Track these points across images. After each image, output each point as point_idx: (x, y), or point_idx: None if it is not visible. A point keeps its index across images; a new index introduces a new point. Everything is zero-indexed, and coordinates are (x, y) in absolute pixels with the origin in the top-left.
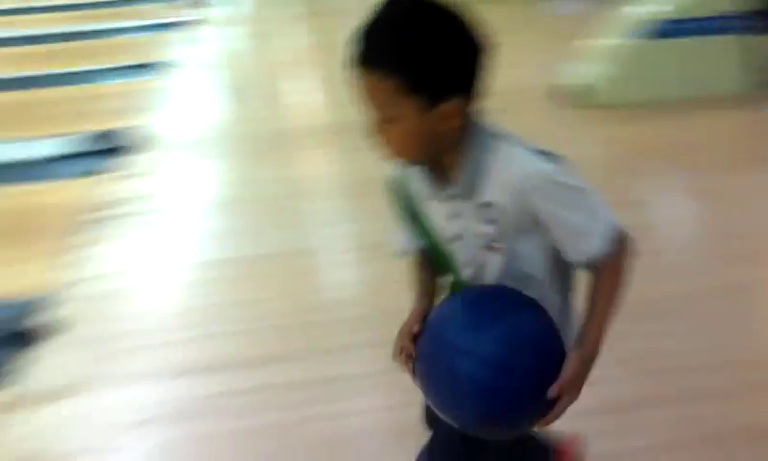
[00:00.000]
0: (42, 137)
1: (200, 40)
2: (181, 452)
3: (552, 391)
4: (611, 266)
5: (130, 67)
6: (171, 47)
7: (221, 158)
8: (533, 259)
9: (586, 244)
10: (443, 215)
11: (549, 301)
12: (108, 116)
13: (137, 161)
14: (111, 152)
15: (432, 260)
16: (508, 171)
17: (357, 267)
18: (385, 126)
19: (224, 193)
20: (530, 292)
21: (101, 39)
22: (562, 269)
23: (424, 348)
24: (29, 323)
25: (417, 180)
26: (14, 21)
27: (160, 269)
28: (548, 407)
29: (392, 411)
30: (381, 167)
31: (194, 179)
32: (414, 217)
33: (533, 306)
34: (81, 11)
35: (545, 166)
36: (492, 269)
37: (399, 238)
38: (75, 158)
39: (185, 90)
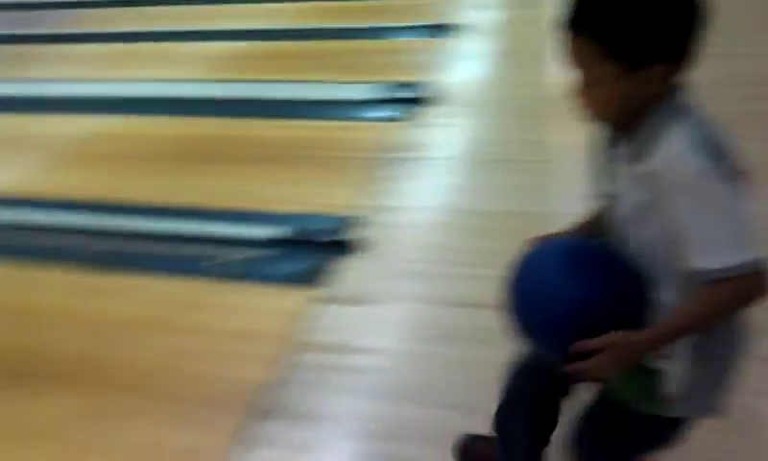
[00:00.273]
0: (355, 82)
1: (487, 8)
2: (452, 371)
3: (596, 341)
4: (723, 290)
5: (426, 27)
6: (462, 12)
7: (496, 118)
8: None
9: (705, 256)
10: (610, 172)
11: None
12: (407, 70)
13: (430, 113)
14: (409, 102)
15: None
16: (666, 152)
17: None
18: (586, 88)
19: (494, 151)
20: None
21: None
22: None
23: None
24: (342, 236)
25: (601, 135)
26: None
27: (436, 210)
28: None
29: None
30: None
31: (471, 134)
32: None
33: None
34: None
35: (696, 163)
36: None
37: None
38: (381, 104)
39: (471, 53)
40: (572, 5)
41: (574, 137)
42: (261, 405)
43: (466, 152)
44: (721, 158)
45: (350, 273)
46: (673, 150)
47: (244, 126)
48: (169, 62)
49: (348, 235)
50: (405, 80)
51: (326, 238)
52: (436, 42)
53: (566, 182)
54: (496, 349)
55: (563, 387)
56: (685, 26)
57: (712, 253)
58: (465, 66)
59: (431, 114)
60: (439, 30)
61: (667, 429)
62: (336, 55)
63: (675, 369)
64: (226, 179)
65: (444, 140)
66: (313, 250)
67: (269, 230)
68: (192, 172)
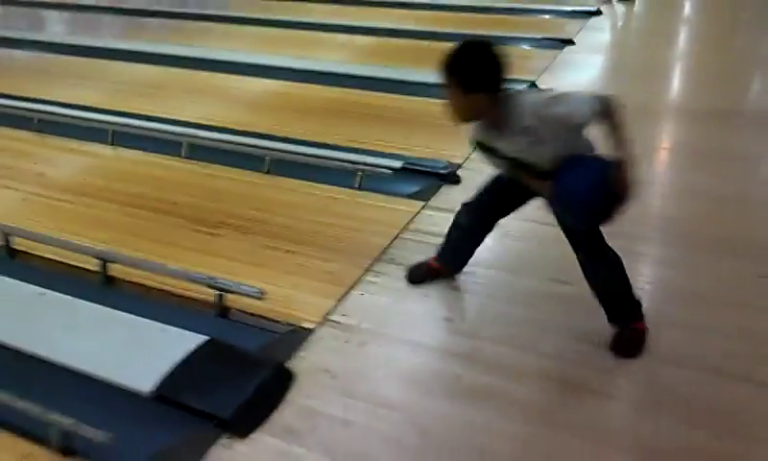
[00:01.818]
0: None
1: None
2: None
3: (620, 175)
4: (606, 114)
5: (541, 39)
6: (575, 28)
7: None
8: (566, 139)
9: (584, 112)
10: (504, 145)
11: (585, 147)
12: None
13: None
14: None
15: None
16: (529, 107)
17: None
18: (450, 104)
19: None
20: (574, 151)
21: (521, 16)
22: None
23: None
24: (443, 171)
25: (482, 131)
26: None
27: None
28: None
29: None
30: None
31: None
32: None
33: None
34: (449, 12)
35: (543, 96)
36: (544, 152)
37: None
38: None
39: (581, 64)
40: (444, 62)
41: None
42: (382, 257)
43: None
44: (546, 89)
45: (446, 194)
46: (527, 109)
47: (375, 96)
48: (322, 47)
49: (446, 171)
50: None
51: (432, 171)
52: (549, 53)
53: None
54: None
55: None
56: (493, 74)
57: (589, 102)
58: (572, 75)
59: None
60: (553, 42)
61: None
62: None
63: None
64: (361, 128)
65: None
66: (422, 178)
67: (394, 162)
68: (336, 123)
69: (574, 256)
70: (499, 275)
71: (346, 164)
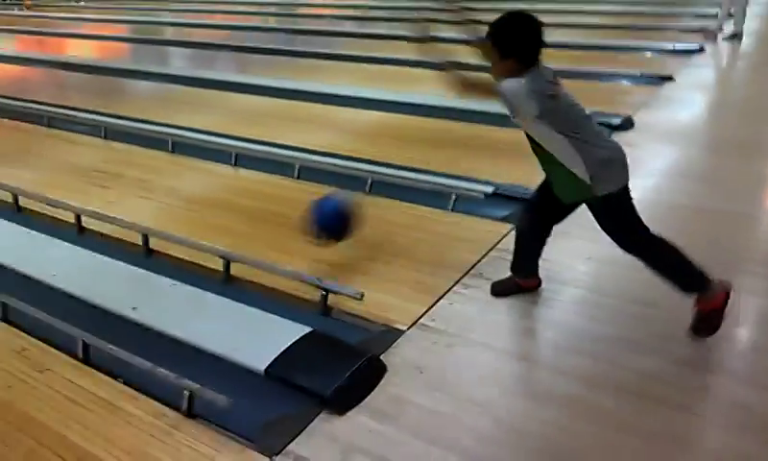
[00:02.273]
0: None
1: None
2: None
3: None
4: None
5: (643, 76)
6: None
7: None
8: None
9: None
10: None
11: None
12: (611, 105)
13: (622, 136)
14: (604, 125)
15: None
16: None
17: None
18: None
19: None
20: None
21: (622, 53)
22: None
23: None
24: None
25: None
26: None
27: None
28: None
29: None
30: None
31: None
32: None
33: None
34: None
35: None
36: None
37: None
38: None
39: (677, 100)
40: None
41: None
42: (471, 272)
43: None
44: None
45: None
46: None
47: (467, 127)
48: (418, 82)
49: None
50: (606, 110)
51: (521, 196)
52: (648, 89)
53: None
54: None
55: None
56: (526, 43)
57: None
58: (671, 111)
59: (623, 138)
60: (652, 78)
61: (621, 199)
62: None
63: (578, 169)
64: (454, 155)
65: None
66: (511, 202)
67: (485, 187)
68: (430, 150)
69: (659, 281)
70: (583, 293)
71: (440, 188)
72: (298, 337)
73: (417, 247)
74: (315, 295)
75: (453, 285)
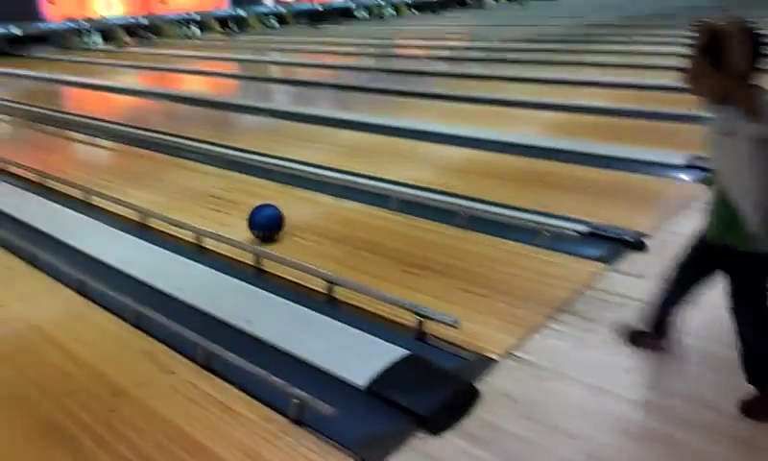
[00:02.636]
0: (656, 149)
1: None
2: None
3: None
4: None
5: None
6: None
7: None
8: None
9: None
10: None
11: None
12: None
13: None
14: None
15: None
16: None
17: None
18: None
19: None
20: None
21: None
22: None
23: None
24: (626, 237)
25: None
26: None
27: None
28: None
29: None
30: None
31: None
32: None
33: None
34: (637, 91)
35: None
36: (746, 181)
37: None
38: (674, 168)
39: None
40: (702, 33)
41: None
42: (565, 308)
43: None
44: None
45: (632, 260)
46: None
47: (562, 166)
48: (512, 121)
49: (633, 238)
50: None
51: (618, 237)
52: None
53: None
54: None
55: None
56: (749, 57)
57: None
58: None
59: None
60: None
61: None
62: (643, 129)
63: (752, 212)
64: (549, 194)
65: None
66: (607, 243)
67: (580, 226)
68: (524, 188)
69: None
70: (686, 338)
71: (532, 224)
72: (395, 359)
73: (510, 281)
74: (411, 320)
75: (546, 320)
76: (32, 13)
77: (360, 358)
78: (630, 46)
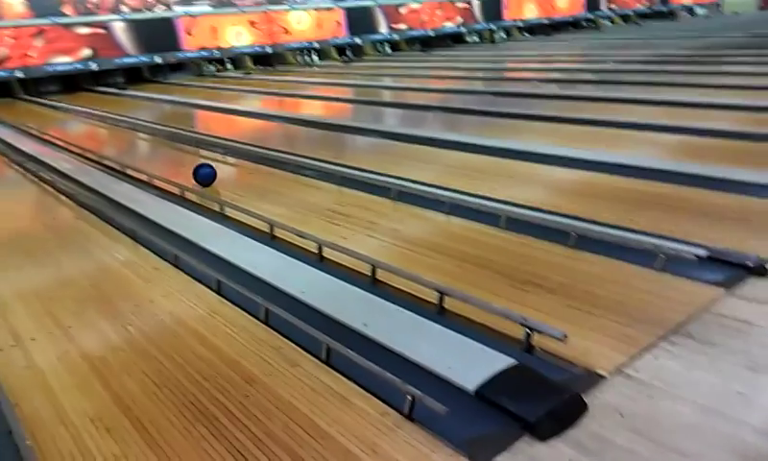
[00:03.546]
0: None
1: None
2: None
3: None
4: None
5: None
6: None
7: None
8: None
9: None
10: None
11: None
12: None
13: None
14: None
15: None
16: None
17: None
18: None
19: None
20: None
21: None
22: None
23: None
24: (745, 262)
25: None
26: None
27: None
28: None
29: None
30: None
31: None
32: None
33: None
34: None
35: None
36: None
37: None
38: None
39: None
40: None
41: None
42: (679, 330)
43: None
44: None
45: (752, 285)
46: None
47: (679, 189)
48: (627, 143)
49: (754, 264)
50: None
51: (738, 262)
52: None
53: None
54: None
55: None
56: None
57: None
58: None
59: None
60: None
61: None
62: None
63: None
64: (664, 217)
65: None
66: (726, 267)
67: (697, 249)
68: (638, 210)
69: None
70: None
71: (646, 246)
72: (503, 366)
73: (621, 301)
74: (519, 333)
75: (658, 341)
76: (173, 45)
77: (469, 364)
78: (756, 67)
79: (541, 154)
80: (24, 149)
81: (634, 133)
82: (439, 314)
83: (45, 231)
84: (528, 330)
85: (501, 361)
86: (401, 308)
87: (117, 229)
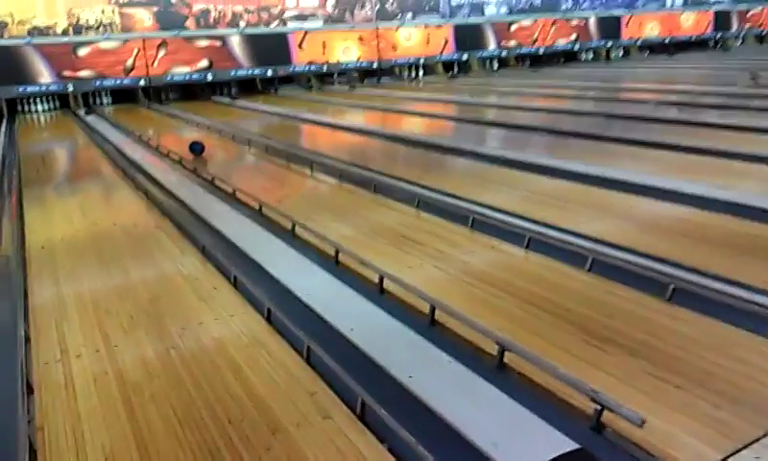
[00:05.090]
0: None
1: None
2: None
3: None
4: None
5: None
6: None
7: None
8: None
9: None
10: None
11: None
12: None
13: None
14: None
15: None
16: None
17: None
18: None
19: None
20: None
21: None
22: None
23: None
24: None
25: None
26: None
27: None
28: None
29: None
30: None
31: None
32: None
33: None
34: None
35: None
36: None
37: None
38: None
39: None
40: None
41: None
42: None
43: None
44: None
45: None
46: None
47: None
48: (745, 179)
49: None
50: None
51: None
52: None
53: None
54: None
55: None
56: None
57: None
58: None
59: None
60: None
61: None
62: None
63: None
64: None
65: None
66: None
67: None
68: (751, 261)
69: None
70: None
71: (755, 307)
72: (564, 451)
73: (717, 374)
74: (588, 407)
75: (763, 437)
76: (285, 59)
77: (520, 442)
78: None
79: (644, 185)
80: (129, 154)
81: (761, 168)
82: (497, 371)
83: (123, 237)
84: (599, 407)
85: (561, 443)
86: (454, 360)
87: (191, 241)
